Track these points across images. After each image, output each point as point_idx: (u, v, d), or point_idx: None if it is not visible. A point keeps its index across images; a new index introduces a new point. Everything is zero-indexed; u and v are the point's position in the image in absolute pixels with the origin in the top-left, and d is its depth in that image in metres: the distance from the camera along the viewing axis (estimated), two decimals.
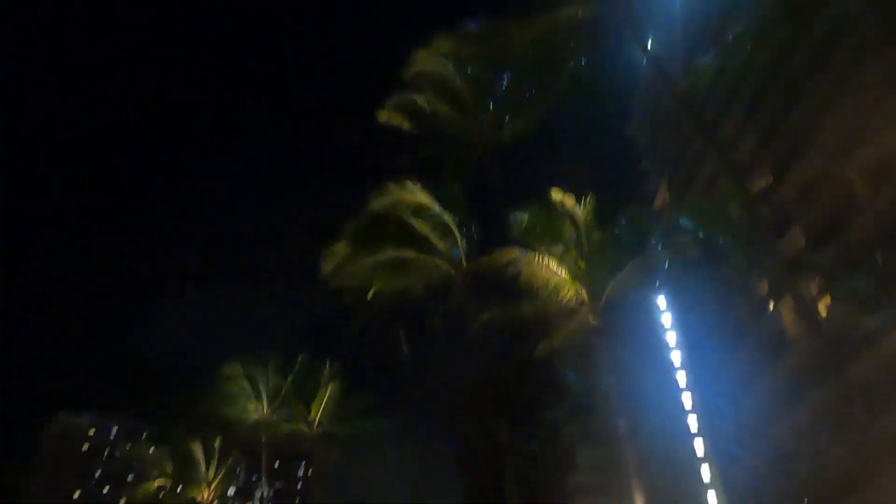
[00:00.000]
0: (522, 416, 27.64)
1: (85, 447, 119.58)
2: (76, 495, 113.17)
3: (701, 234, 19.89)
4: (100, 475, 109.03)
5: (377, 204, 21.53)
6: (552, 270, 17.04)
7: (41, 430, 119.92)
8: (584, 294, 16.92)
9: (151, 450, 40.69)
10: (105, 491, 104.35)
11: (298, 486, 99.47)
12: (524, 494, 24.34)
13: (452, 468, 34.73)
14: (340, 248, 22.35)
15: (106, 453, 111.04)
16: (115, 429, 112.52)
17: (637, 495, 15.64)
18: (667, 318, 43.47)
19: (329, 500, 42.53)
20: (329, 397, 28.62)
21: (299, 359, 30.29)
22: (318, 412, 28.50)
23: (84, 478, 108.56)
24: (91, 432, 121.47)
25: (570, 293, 16.92)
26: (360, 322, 23.16)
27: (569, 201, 17.21)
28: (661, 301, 43.49)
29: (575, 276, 16.86)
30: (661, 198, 39.72)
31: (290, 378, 30.01)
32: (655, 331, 42.88)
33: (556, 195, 17.27)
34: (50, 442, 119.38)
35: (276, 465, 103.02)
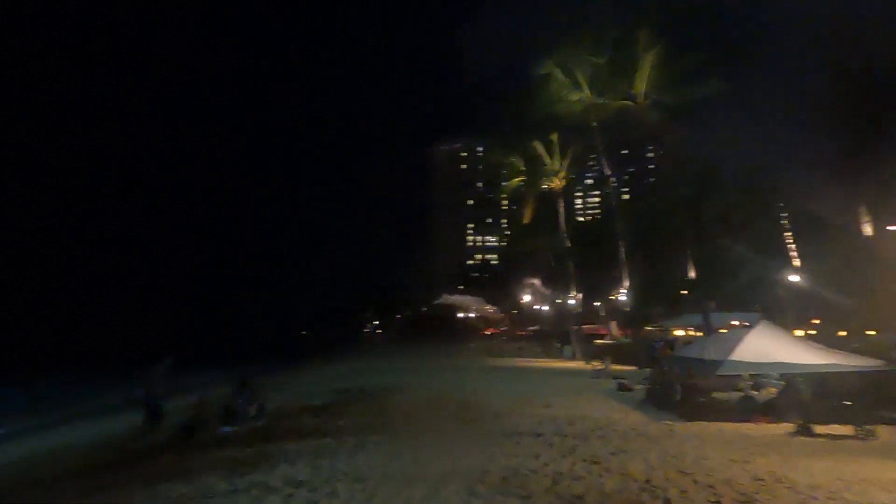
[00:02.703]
0: None
1: (463, 166, 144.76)
2: (470, 202, 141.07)
3: None
4: (483, 184, 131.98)
5: None
6: None
7: (429, 156, 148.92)
8: None
9: (509, 157, 45.01)
10: (491, 196, 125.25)
11: (649, 167, 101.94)
12: None
13: (812, 123, 29.38)
14: None
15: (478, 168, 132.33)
16: (479, 148, 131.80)
17: None
18: None
19: (678, 175, 41.83)
20: (651, 66, 26.04)
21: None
22: (641, 84, 26.46)
23: (470, 187, 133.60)
24: (464, 154, 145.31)
25: None
26: None
27: None
28: None
29: None
30: None
31: (603, 56, 28.31)
32: None
33: None
34: (437, 166, 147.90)
35: (625, 153, 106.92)
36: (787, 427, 10.91)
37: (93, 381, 30.55)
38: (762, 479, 7.05)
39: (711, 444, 9.51)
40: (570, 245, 38.60)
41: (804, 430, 10.50)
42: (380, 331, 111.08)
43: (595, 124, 31.57)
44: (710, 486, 6.68)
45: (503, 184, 45.48)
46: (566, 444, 9.33)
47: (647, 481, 6.91)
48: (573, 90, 30.17)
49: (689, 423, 11.68)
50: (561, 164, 37.64)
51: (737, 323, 25.05)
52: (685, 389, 13.76)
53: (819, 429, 10.58)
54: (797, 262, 22.73)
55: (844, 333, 21.92)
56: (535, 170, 39.18)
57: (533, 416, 12.34)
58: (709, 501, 6.10)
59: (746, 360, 12.39)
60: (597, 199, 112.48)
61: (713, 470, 7.54)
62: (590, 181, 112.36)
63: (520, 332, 65.79)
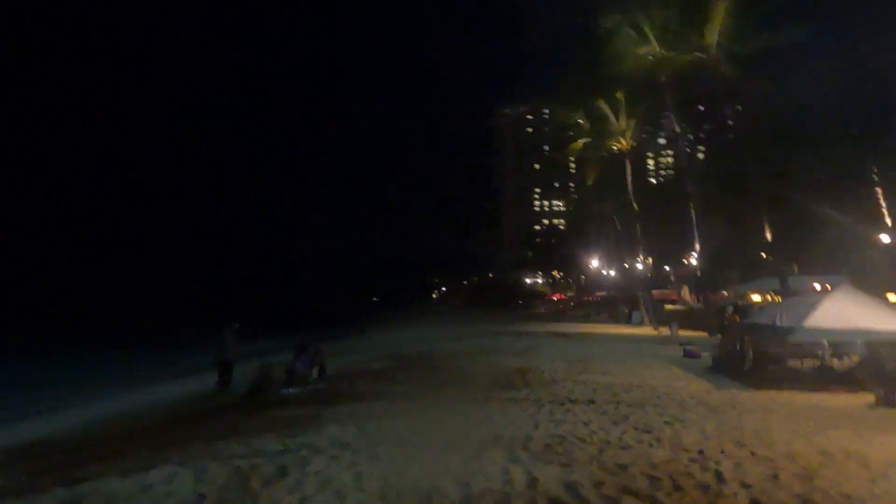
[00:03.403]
0: None
1: (530, 129, 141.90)
2: (536, 166, 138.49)
3: None
4: (549, 147, 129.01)
5: None
6: None
7: (496, 121, 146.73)
8: None
9: (573, 117, 43.24)
10: (555, 159, 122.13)
11: (729, 123, 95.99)
12: None
13: None
14: None
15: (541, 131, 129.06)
16: (545, 111, 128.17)
17: None
18: None
19: (764, 134, 39.05)
20: (724, 14, 24.06)
21: None
22: (712, 34, 24.53)
23: (537, 151, 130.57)
24: (530, 117, 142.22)
25: None
26: None
27: None
28: None
29: None
30: None
31: (672, 7, 26.43)
32: None
33: None
34: (504, 130, 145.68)
35: (702, 109, 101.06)
36: (867, 398, 10.15)
37: (172, 347, 32.85)
38: (830, 454, 6.56)
39: (777, 415, 8.98)
40: (637, 208, 37.20)
41: (886, 402, 9.72)
42: (448, 297, 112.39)
43: (664, 79, 29.79)
44: (769, 460, 6.29)
45: (570, 145, 44.03)
46: (619, 411, 9.07)
47: (700, 452, 6.59)
48: (640, 44, 28.51)
49: (755, 393, 11.11)
50: (628, 124, 36.05)
51: (818, 287, 23.51)
52: (755, 357, 13.07)
53: None
54: (889, 221, 20.85)
55: None
56: (601, 130, 37.75)
57: (589, 383, 12.10)
58: (765, 475, 5.73)
59: (823, 326, 11.56)
60: (670, 160, 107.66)
61: (775, 442, 7.10)
62: (663, 140, 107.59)
63: (587, 298, 64.78)
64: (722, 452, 6.60)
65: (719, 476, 5.69)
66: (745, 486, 5.42)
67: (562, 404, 9.69)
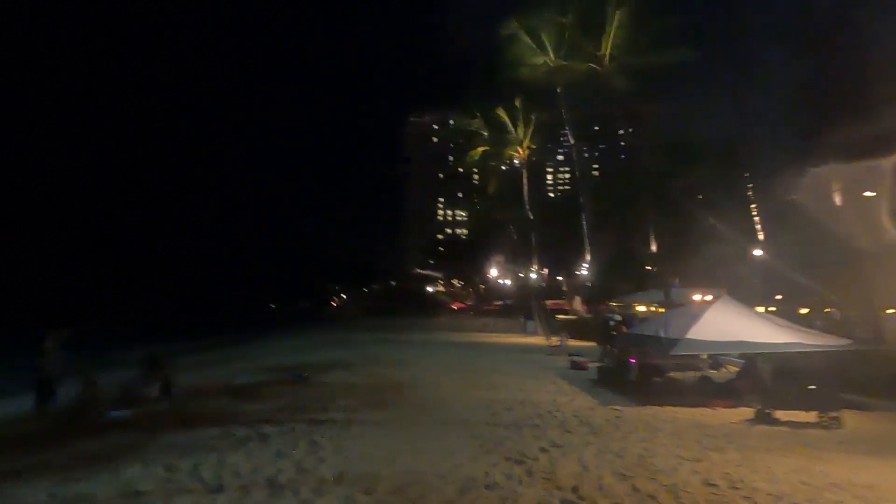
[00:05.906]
0: None
1: (435, 139, 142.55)
2: (441, 175, 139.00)
3: None
4: (453, 157, 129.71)
5: None
6: None
7: (402, 131, 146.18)
8: None
9: (473, 125, 43.15)
10: (459, 169, 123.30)
11: (622, 144, 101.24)
12: None
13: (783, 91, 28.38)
14: None
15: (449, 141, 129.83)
16: (451, 121, 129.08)
17: None
18: None
19: (648, 149, 40.83)
20: (618, 27, 24.51)
21: None
22: (607, 45, 24.91)
23: (441, 161, 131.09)
24: (435, 127, 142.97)
25: None
26: None
27: None
28: None
29: None
30: None
31: (569, 16, 26.65)
32: None
33: None
34: (410, 140, 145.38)
35: (597, 129, 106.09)
36: (747, 413, 9.82)
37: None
38: (715, 485, 5.82)
39: (662, 435, 8.31)
40: (532, 218, 37.39)
41: (764, 418, 9.40)
42: (348, 304, 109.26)
43: (559, 90, 30.01)
44: (652, 497, 5.41)
45: (469, 153, 43.68)
46: (494, 436, 8.01)
47: (575, 489, 5.61)
48: (537, 52, 28.50)
49: (640, 409, 10.53)
50: (525, 133, 36.20)
51: (699, 298, 24.27)
52: (639, 369, 12.68)
53: (780, 414, 9.49)
54: (761, 236, 21.87)
55: (806, 310, 21.23)
56: (500, 139, 37.70)
57: (469, 401, 11.04)
58: None
59: (704, 338, 11.25)
60: (568, 176, 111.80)
61: (658, 471, 6.29)
62: (561, 157, 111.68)
63: (486, 307, 64.93)
64: (600, 488, 5.66)
65: None
66: None
67: (432, 428, 8.50)
